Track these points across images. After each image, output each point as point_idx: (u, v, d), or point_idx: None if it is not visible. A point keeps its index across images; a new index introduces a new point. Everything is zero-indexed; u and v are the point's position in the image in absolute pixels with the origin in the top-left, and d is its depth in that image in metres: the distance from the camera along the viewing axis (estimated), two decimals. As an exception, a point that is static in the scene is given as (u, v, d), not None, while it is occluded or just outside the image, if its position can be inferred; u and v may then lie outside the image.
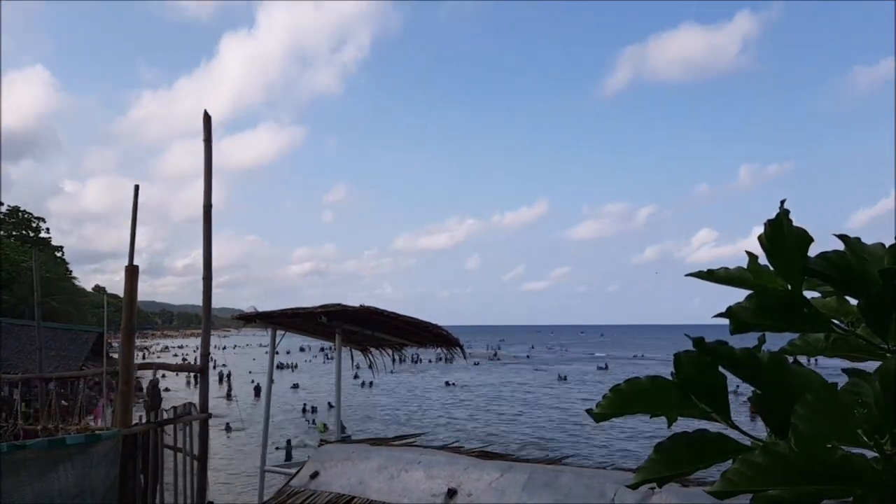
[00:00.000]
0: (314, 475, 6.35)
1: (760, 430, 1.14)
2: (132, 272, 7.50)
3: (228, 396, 54.61)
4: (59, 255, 76.89)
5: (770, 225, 1.14)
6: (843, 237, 1.22)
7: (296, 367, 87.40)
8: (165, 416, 7.98)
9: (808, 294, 1.19)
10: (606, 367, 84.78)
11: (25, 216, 74.52)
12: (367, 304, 10.43)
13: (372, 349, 13.13)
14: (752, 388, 1.11)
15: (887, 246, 1.20)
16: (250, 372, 71.93)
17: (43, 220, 76.83)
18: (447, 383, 67.26)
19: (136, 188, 8.01)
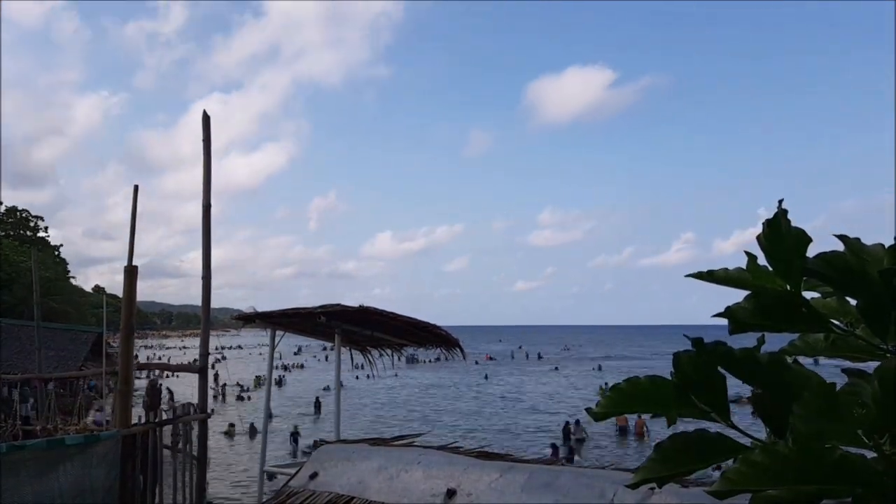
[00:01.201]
0: (313, 475, 6.34)
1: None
2: (131, 272, 7.50)
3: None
4: (57, 254, 76.82)
5: (768, 225, 1.14)
6: (842, 237, 1.22)
7: (302, 367, 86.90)
8: (164, 416, 7.99)
9: (808, 294, 1.19)
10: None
11: (24, 216, 74.46)
12: (362, 304, 10.44)
13: (371, 349, 13.14)
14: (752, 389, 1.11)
15: (886, 246, 1.20)
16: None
17: (41, 218, 76.79)
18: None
19: (136, 188, 8.02)
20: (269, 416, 15.63)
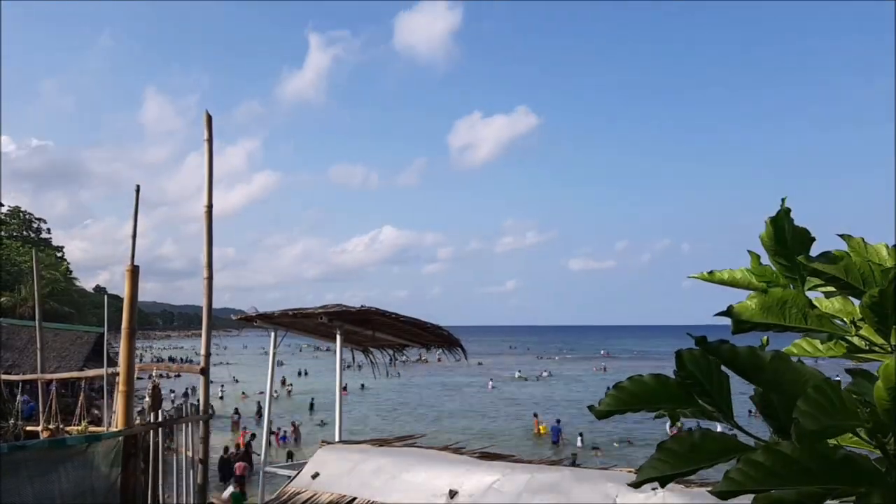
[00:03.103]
0: (315, 476, 6.35)
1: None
2: (133, 273, 7.50)
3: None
4: (59, 255, 76.88)
5: (771, 224, 1.13)
6: (845, 237, 1.21)
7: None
8: (166, 416, 7.99)
9: (811, 294, 1.18)
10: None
11: (26, 217, 74.55)
12: (363, 304, 10.45)
13: (372, 349, 13.14)
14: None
15: (890, 245, 1.20)
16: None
17: (44, 220, 76.90)
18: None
19: (137, 188, 8.01)
20: (270, 421, 15.61)
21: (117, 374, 8.51)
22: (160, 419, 7.84)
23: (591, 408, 1.12)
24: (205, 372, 8.33)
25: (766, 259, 1.22)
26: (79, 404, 15.09)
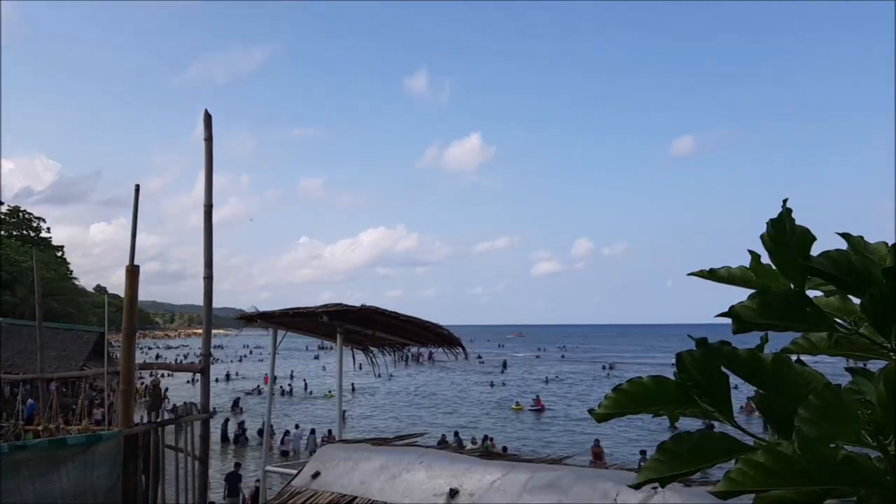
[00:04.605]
0: (316, 475, 6.34)
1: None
2: (133, 272, 7.49)
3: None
4: (59, 254, 76.85)
5: (772, 224, 1.13)
6: (845, 235, 1.21)
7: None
8: (166, 416, 7.99)
9: (811, 293, 1.18)
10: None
11: (26, 216, 74.50)
12: (363, 304, 10.44)
13: (373, 348, 13.13)
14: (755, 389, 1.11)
15: (889, 244, 1.20)
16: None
17: (43, 219, 76.83)
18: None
19: (137, 188, 8.01)
20: (270, 425, 15.62)
21: (118, 373, 8.52)
22: (160, 418, 7.85)
23: (591, 411, 1.12)
24: (205, 371, 8.33)
25: (766, 259, 1.21)
26: (79, 404, 15.10)
